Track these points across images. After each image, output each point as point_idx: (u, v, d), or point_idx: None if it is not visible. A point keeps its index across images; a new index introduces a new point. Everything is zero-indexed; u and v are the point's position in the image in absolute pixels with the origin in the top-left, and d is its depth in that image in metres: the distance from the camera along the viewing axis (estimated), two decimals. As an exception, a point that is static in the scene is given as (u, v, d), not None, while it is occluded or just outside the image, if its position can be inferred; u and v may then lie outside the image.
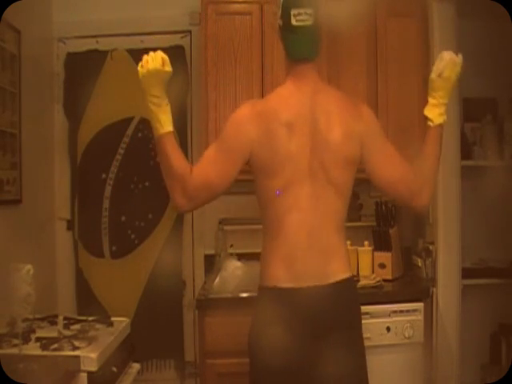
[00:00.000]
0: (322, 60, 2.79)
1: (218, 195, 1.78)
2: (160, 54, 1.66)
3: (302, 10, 1.73)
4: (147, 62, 1.65)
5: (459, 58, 1.81)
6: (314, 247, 1.73)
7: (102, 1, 3.13)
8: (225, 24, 2.78)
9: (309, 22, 1.74)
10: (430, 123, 1.83)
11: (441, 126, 1.83)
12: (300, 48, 1.79)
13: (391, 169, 1.82)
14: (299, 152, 1.73)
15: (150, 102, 1.66)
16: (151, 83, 1.65)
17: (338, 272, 1.75)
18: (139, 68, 1.67)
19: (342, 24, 2.64)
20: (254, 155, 1.74)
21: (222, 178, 1.74)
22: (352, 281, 1.84)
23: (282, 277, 1.73)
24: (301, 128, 1.73)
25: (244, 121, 1.76)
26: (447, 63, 1.80)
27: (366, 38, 2.83)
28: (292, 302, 1.72)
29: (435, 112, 1.83)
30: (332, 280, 1.73)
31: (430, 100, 1.84)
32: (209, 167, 1.76)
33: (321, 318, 1.70)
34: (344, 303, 1.77)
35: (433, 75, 1.82)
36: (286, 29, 1.77)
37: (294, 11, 1.74)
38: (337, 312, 1.73)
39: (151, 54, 1.67)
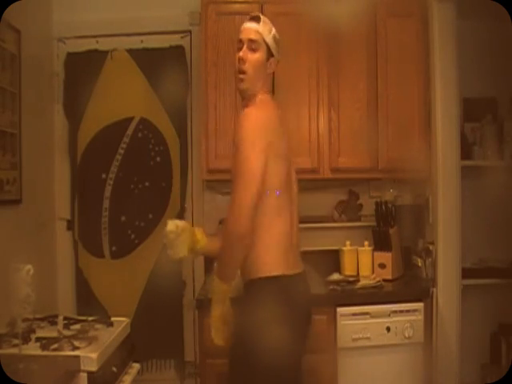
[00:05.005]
0: (321, 60, 2.82)
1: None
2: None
3: None
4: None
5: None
6: (294, 242, 2.01)
7: (101, 1, 3.12)
8: (225, 24, 2.78)
9: None
10: None
11: None
12: None
13: None
14: (287, 158, 2.00)
15: None
16: None
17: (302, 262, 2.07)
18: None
19: (342, 24, 2.65)
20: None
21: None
22: None
23: (283, 266, 1.94)
24: (283, 139, 1.99)
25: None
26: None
27: (366, 38, 2.83)
28: (293, 286, 1.95)
29: None
30: (303, 268, 2.04)
31: None
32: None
33: (309, 300, 2.04)
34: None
35: None
36: None
37: None
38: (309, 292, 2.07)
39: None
